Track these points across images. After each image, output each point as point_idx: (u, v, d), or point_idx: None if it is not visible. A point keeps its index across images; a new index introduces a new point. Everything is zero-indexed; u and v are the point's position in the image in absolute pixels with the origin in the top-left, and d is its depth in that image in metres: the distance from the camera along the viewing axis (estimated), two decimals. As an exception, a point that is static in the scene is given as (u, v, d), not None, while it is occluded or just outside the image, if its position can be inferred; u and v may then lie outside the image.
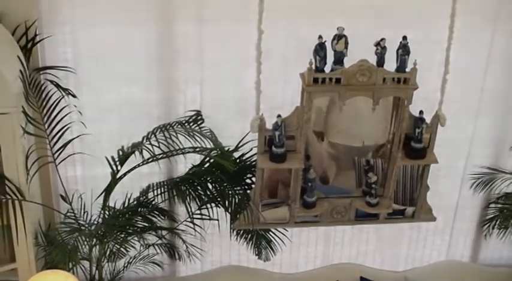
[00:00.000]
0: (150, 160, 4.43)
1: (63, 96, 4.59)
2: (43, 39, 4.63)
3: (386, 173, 4.63)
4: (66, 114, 4.61)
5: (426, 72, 4.38)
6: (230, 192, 4.71)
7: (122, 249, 4.81)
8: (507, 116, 5.57)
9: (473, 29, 5.00)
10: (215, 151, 4.45)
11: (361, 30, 4.54)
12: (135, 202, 4.84)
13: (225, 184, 4.70)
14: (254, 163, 4.65)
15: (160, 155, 4.43)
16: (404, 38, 4.21)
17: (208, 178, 4.75)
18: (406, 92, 4.25)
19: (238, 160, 4.79)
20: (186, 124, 4.62)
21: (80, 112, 4.78)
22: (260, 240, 5.10)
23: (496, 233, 5.69)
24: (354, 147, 4.64)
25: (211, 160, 4.72)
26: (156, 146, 4.30)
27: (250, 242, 5.09)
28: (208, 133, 4.47)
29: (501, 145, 5.68)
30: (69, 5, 4.69)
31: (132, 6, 4.73)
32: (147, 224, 4.82)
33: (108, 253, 4.83)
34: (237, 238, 5.05)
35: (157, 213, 4.89)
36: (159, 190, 4.78)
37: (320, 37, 4.09)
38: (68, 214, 4.79)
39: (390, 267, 6.17)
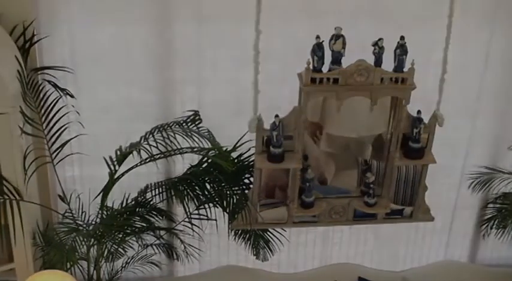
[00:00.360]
0: (148, 160, 4.43)
1: (61, 97, 4.58)
2: (41, 39, 4.62)
3: (384, 173, 4.62)
4: (64, 115, 4.60)
5: (424, 72, 4.38)
6: (228, 192, 4.72)
7: (119, 249, 4.81)
8: (505, 115, 5.58)
9: (471, 28, 5.01)
10: (213, 151, 4.44)
11: (359, 30, 4.54)
12: (133, 202, 4.84)
13: (223, 184, 4.70)
14: (252, 163, 4.64)
15: (158, 155, 4.43)
16: (402, 38, 4.20)
17: (206, 178, 4.75)
18: (404, 91, 4.24)
19: (236, 160, 4.79)
20: (184, 124, 4.62)
21: (77, 112, 4.78)
22: (258, 240, 5.10)
23: (494, 233, 5.69)
24: (351, 139, 4.63)
25: (209, 160, 4.72)
26: (154, 146, 4.30)
27: (248, 242, 5.08)
28: (206, 133, 4.46)
29: (499, 144, 5.68)
30: (67, 5, 4.69)
31: (130, 7, 4.73)
32: (145, 224, 4.82)
33: (106, 253, 4.82)
34: (235, 238, 5.05)
35: (155, 213, 4.89)
36: (157, 190, 4.79)
37: (318, 37, 4.08)
38: (66, 214, 4.78)
39: (388, 267, 6.17)
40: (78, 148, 4.94)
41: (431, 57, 4.72)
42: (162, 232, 5.11)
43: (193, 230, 4.91)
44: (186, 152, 4.54)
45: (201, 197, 4.74)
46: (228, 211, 4.76)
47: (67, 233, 4.47)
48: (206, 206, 4.81)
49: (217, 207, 4.82)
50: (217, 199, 4.76)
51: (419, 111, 4.41)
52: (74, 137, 4.76)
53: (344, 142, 4.66)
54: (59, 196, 4.92)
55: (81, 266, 4.93)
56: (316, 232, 5.83)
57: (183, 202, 4.70)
